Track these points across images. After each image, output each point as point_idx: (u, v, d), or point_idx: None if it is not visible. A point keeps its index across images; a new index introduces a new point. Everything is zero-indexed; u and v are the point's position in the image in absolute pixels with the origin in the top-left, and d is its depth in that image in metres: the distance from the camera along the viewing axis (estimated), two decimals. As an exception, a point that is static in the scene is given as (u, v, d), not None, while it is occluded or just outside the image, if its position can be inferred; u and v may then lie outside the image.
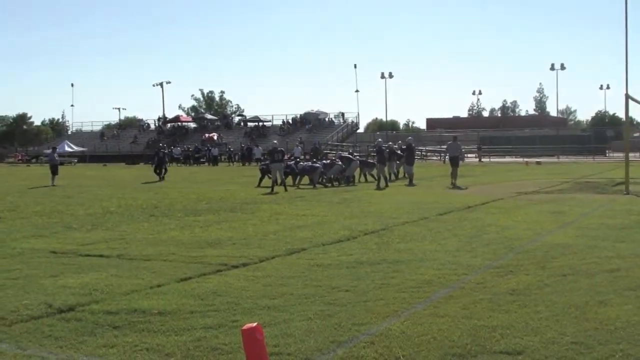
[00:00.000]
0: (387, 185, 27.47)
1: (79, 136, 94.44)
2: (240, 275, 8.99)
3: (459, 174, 29.04)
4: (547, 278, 8.47)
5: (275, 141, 31.53)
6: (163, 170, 37.63)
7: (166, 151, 40.43)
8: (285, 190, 25.66)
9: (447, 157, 30.32)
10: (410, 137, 36.32)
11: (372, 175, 30.47)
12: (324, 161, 32.75)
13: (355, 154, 40.77)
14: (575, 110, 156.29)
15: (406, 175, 31.20)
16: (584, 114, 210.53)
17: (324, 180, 29.33)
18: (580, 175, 33.05)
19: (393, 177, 32.15)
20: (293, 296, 7.74)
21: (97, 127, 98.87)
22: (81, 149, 79.58)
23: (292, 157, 42.16)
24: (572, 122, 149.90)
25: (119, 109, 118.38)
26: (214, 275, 9.01)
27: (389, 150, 31.86)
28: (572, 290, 7.82)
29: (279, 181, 26.62)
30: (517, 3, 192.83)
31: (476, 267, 9.31)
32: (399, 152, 33.11)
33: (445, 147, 34.30)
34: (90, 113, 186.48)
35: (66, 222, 15.73)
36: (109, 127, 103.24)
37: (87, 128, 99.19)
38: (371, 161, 32.70)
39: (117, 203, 20.78)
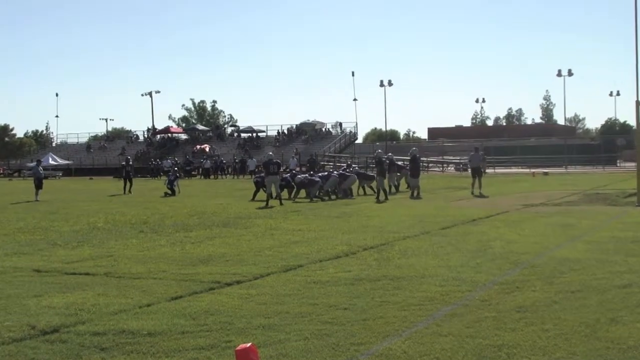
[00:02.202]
0: (387, 198, 27.49)
1: (64, 148, 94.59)
2: (233, 294, 8.98)
3: (483, 184, 30.63)
4: (555, 294, 8.47)
5: (270, 152, 31.53)
6: (129, 184, 38.53)
7: (132, 163, 41.34)
8: (281, 204, 25.66)
9: (469, 167, 31.02)
10: (414, 147, 36.27)
11: (372, 188, 30.46)
12: (321, 173, 32.81)
13: (353, 165, 40.72)
14: (583, 118, 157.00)
15: (408, 187, 31.16)
16: (593, 122, 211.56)
17: (321, 194, 29.32)
18: (589, 187, 33.06)
19: (393, 189, 32.17)
20: (289, 315, 7.74)
21: (83, 139, 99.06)
22: (66, 161, 79.69)
23: (288, 169, 42.25)
24: (581, 130, 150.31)
25: (106, 119, 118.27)
26: (207, 294, 9.00)
27: (389, 161, 31.91)
28: (582, 307, 7.82)
29: (274, 194, 26.63)
30: (522, 7, 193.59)
31: (481, 283, 9.31)
32: (399, 163, 33.21)
33: (467, 158, 34.80)
34: (76, 124, 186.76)
35: (50, 239, 15.72)
36: (95, 138, 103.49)
37: (72, 140, 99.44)
38: (370, 174, 32.66)
39: (105, 218, 20.77)
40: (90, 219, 20.52)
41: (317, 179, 29.68)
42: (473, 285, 9.15)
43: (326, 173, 32.54)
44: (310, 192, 29.03)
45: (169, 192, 34.43)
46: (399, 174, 33.23)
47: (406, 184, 31.98)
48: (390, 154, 36.66)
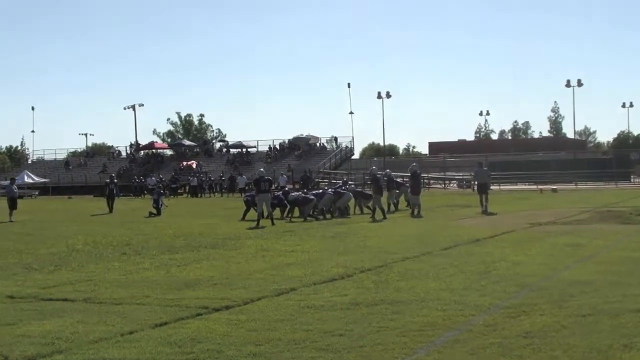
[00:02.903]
0: (384, 217, 27.52)
1: (41, 165, 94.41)
2: (222, 320, 8.97)
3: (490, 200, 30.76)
4: (564, 319, 8.48)
5: (261, 169, 31.56)
6: (112, 203, 38.89)
7: (116, 181, 41.60)
8: (273, 223, 25.67)
9: (475, 184, 31.38)
10: (414, 163, 36.39)
11: (369, 207, 30.50)
12: (315, 191, 32.86)
13: (350, 182, 40.79)
14: (594, 132, 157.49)
15: (407, 205, 31.19)
16: (605, 135, 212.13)
17: (316, 213, 29.34)
18: (601, 204, 33.15)
19: (392, 207, 32.20)
20: (281, 342, 7.74)
21: (62, 155, 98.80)
22: (43, 179, 79.50)
23: (278, 187, 42.29)
24: (592, 144, 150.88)
25: (85, 134, 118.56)
26: (193, 320, 8.99)
27: (387, 178, 31.98)
28: (593, 332, 7.83)
29: (265, 214, 26.64)
30: (528, 15, 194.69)
31: (485, 307, 9.33)
32: (398, 180, 33.32)
33: (472, 174, 35.18)
34: (53, 140, 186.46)
35: (26, 263, 15.68)
36: (74, 155, 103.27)
37: (49, 156, 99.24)
38: (368, 192, 32.72)
39: (84, 240, 20.73)
40: (68, 241, 20.49)
41: (312, 197, 29.71)
42: (477, 310, 9.16)
43: (321, 191, 32.58)
44: (304, 211, 29.05)
45: (154, 212, 34.42)
46: (397, 191, 33.29)
47: (406, 201, 32.03)
48: (388, 170, 36.77)
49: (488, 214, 28.92)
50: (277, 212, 28.93)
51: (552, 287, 10.66)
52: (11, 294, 11.43)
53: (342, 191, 31.18)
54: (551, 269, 12.73)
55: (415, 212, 29.12)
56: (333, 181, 60.11)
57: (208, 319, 9.08)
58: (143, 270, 14.01)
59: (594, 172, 69.62)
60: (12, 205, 33.20)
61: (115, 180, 42.27)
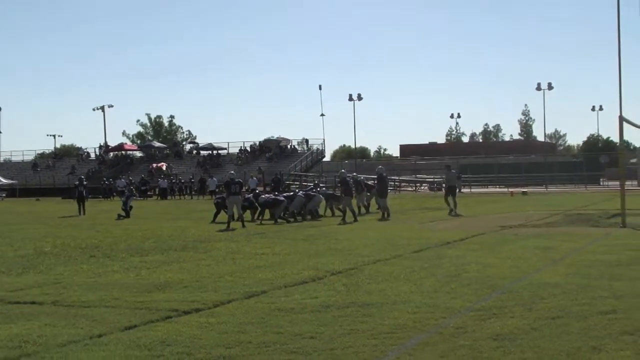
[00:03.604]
0: (355, 220, 27.58)
1: (8, 167, 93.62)
2: (192, 322, 8.94)
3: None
4: (534, 321, 8.54)
5: (232, 172, 31.53)
6: (82, 205, 38.80)
7: (85, 183, 41.38)
8: (243, 226, 25.65)
9: (445, 186, 32.22)
10: (380, 165, 36.52)
11: (339, 209, 30.55)
12: (286, 193, 32.90)
13: (321, 185, 40.87)
14: (564, 135, 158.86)
15: (378, 208, 31.30)
16: (575, 139, 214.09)
17: (287, 215, 29.35)
18: (571, 207, 33.44)
19: (363, 210, 32.30)
20: (252, 344, 7.73)
21: (29, 157, 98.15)
22: (10, 181, 78.88)
23: (249, 190, 42.22)
24: (562, 147, 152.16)
25: (54, 136, 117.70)
26: (163, 323, 8.95)
27: (354, 180, 32.11)
28: (563, 334, 7.90)
29: (236, 216, 26.61)
30: (499, 17, 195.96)
31: (456, 309, 9.37)
32: (369, 182, 33.47)
33: (444, 176, 35.98)
34: (20, 141, 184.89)
35: (-7, 265, 15.54)
36: (42, 156, 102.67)
37: (17, 158, 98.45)
38: (338, 194, 32.84)
39: (53, 242, 20.58)
40: (36, 244, 20.33)
41: (282, 199, 29.72)
42: (447, 312, 9.20)
43: (292, 193, 32.60)
44: (275, 213, 29.06)
45: (123, 214, 34.19)
46: (368, 193, 33.41)
47: (376, 204, 32.16)
48: (354, 173, 36.91)
49: (457, 215, 29.45)
50: (247, 215, 28.91)
51: (522, 290, 10.73)
52: (-22, 297, 11.33)
53: (312, 194, 31.24)
54: (521, 271, 12.82)
55: (385, 215, 29.21)
56: (304, 183, 60.15)
57: (178, 321, 9.04)
58: (112, 272, 13.93)
59: (564, 175, 70.28)
60: (-21, 207, 32.94)
61: (85, 182, 42.01)
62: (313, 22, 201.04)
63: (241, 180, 30.46)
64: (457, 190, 33.06)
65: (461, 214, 29.62)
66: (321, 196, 31.45)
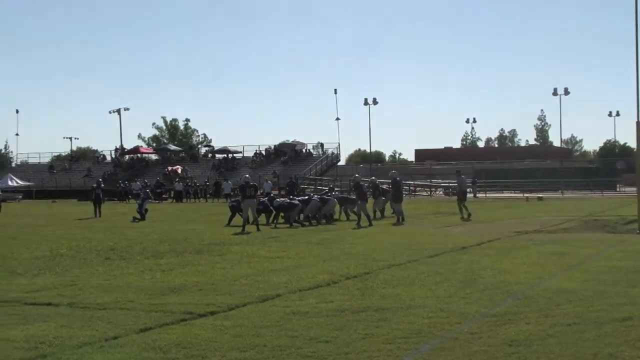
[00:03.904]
0: (370, 224, 27.56)
1: (25, 169, 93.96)
2: (207, 325, 8.96)
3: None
4: (550, 328, 8.52)
5: (247, 175, 31.57)
6: (99, 207, 38.98)
7: (102, 186, 41.66)
8: (258, 229, 25.66)
9: (457, 191, 32.97)
10: (394, 170, 36.56)
11: (354, 213, 30.52)
12: (301, 197, 32.94)
13: (336, 189, 40.88)
14: (581, 140, 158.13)
15: (393, 213, 31.26)
16: (591, 144, 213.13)
17: (301, 219, 29.36)
18: (587, 213, 33.27)
19: (379, 214, 32.30)
20: (266, 348, 7.74)
21: (46, 159, 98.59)
22: (27, 183, 79.23)
23: (264, 193, 42.31)
24: (578, 152, 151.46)
25: (70, 138, 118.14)
26: (178, 325, 8.97)
27: (372, 185, 32.08)
28: (579, 341, 7.87)
29: (251, 219, 26.63)
30: (514, 23, 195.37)
31: (471, 315, 9.35)
32: (384, 187, 33.52)
33: (455, 181, 36.44)
34: (37, 143, 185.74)
35: (9, 267, 15.61)
36: (59, 158, 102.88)
37: (34, 160, 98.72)
38: (353, 197, 32.84)
39: (68, 244, 20.66)
40: (52, 245, 20.41)
41: (297, 203, 29.75)
42: (462, 317, 9.18)
43: (306, 197, 32.61)
44: (290, 217, 29.07)
45: (138, 217, 34.28)
46: (383, 198, 33.40)
47: (391, 209, 32.10)
48: (373, 177, 36.90)
49: (466, 220, 29.79)
50: (262, 218, 28.95)
51: (538, 296, 10.70)
52: (-6, 298, 11.39)
53: (327, 197, 31.24)
54: (537, 277, 12.77)
55: (400, 219, 29.16)
56: (319, 187, 60.14)
57: (193, 324, 9.06)
58: (127, 275, 13.97)
59: (580, 181, 69.89)
60: (-5, 209, 33.10)
61: (102, 185, 42.20)
62: (329, 26, 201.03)
63: (256, 184, 30.52)
64: (473, 195, 33.07)
65: (468, 220, 29.88)
66: (335, 200, 31.44)
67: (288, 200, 30.79)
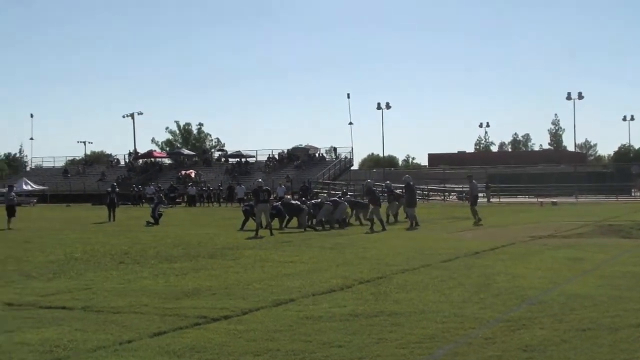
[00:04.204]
0: (383, 229, 27.54)
1: (39, 173, 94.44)
2: (221, 329, 8.98)
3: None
4: (564, 333, 8.49)
5: (260, 179, 31.63)
6: (113, 211, 39.02)
7: (117, 190, 41.81)
8: (272, 234, 25.67)
9: (469, 196, 33.71)
10: (407, 175, 36.52)
11: (367, 218, 30.53)
12: (313, 201, 32.97)
13: (349, 194, 40.87)
14: (595, 145, 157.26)
15: (406, 217, 31.23)
16: (606, 149, 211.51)
17: (314, 223, 29.38)
18: (601, 217, 33.13)
19: (392, 219, 32.29)
20: (280, 352, 7.75)
21: (60, 163, 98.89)
22: (41, 187, 79.51)
23: (277, 197, 42.33)
24: (592, 157, 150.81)
25: (84, 142, 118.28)
26: (192, 329, 9.00)
27: (387, 189, 32.08)
28: (594, 347, 7.84)
29: (264, 224, 26.65)
30: (530, 26, 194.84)
31: (485, 320, 9.34)
32: (397, 191, 33.56)
33: (468, 186, 36.61)
34: (52, 147, 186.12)
35: (24, 270, 15.68)
36: (73, 162, 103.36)
37: (48, 164, 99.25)
38: (364, 202, 32.89)
39: (82, 248, 20.75)
40: (67, 249, 20.50)
41: (304, 207, 29.83)
42: (476, 322, 9.17)
43: (319, 200, 32.64)
44: (302, 221, 29.11)
45: (152, 221, 34.35)
46: (397, 202, 33.40)
47: (405, 213, 32.06)
48: (388, 182, 36.92)
49: (478, 225, 29.75)
50: (275, 223, 28.96)
51: (552, 301, 10.67)
52: (10, 301, 11.44)
53: (338, 201, 31.26)
54: (551, 282, 12.74)
55: (413, 224, 29.11)
56: (332, 192, 60.12)
57: (206, 328, 9.08)
58: (141, 279, 14.02)
59: (594, 185, 69.66)
60: (11, 213, 33.16)
61: (117, 189, 42.35)
62: (342, 31, 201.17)
63: (269, 188, 30.54)
64: (486, 200, 33.05)
65: (478, 225, 29.87)
66: (346, 204, 31.44)
67: (298, 203, 30.87)
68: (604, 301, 10.54)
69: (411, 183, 31.70)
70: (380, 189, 32.66)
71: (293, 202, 31.66)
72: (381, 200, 30.76)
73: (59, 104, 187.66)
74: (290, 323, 9.28)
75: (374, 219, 28.31)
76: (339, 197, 33.16)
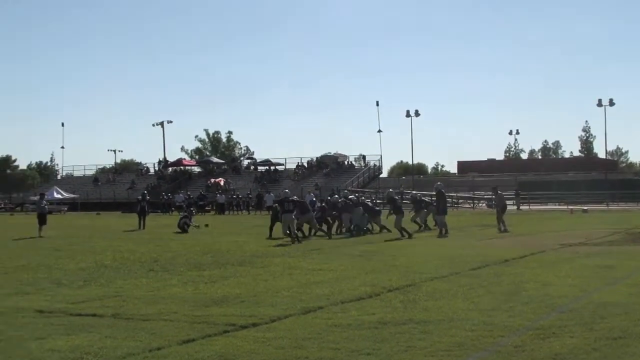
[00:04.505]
0: (402, 236, 27.47)
1: (70, 181, 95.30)
2: (249, 337, 9.00)
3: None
4: (595, 341, 8.42)
5: (286, 190, 31.87)
6: (143, 219, 39.22)
7: (148, 198, 42.01)
8: (299, 242, 25.72)
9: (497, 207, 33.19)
10: (439, 182, 36.45)
11: (378, 225, 30.79)
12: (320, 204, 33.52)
13: (367, 199, 40.85)
14: (626, 152, 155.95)
15: (436, 225, 31.15)
16: (637, 156, 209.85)
17: (343, 230, 29.64)
18: (632, 225, 32.83)
19: (423, 227, 32.46)
20: (308, 360, 7.75)
21: (90, 171, 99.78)
22: (72, 195, 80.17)
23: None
24: (624, 164, 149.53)
25: (114, 151, 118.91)
26: (221, 337, 9.03)
27: (412, 199, 32.22)
28: (625, 355, 7.78)
29: (291, 232, 26.71)
30: (561, 34, 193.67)
31: (514, 328, 9.28)
32: (426, 199, 33.59)
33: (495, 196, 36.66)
34: (82, 156, 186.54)
35: (55, 278, 15.82)
36: (103, 171, 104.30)
37: (78, 172, 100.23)
38: (378, 208, 33.07)
39: (112, 256, 20.88)
40: (97, 257, 20.65)
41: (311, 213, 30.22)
42: (506, 331, 9.12)
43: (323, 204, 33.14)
44: (312, 225, 29.64)
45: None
46: (425, 210, 33.37)
47: (434, 220, 31.96)
48: (414, 192, 37.06)
49: (504, 232, 30.00)
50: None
51: (583, 309, 10.59)
52: (40, 308, 11.54)
53: (350, 204, 31.57)
54: (581, 290, 12.64)
55: (443, 232, 28.99)
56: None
57: (235, 336, 9.11)
58: (170, 286, 14.09)
59: (625, 193, 69.10)
60: (42, 221, 33.45)
61: (148, 197, 42.59)
62: (371, 38, 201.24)
63: (296, 198, 30.77)
64: (516, 207, 32.95)
65: (509, 230, 30.01)
66: (361, 208, 31.44)
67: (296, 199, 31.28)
68: (635, 309, 10.43)
69: (442, 190, 31.61)
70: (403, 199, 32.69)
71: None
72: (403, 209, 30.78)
73: (89, 113, 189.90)
74: (318, 331, 9.28)
75: (397, 229, 28.31)
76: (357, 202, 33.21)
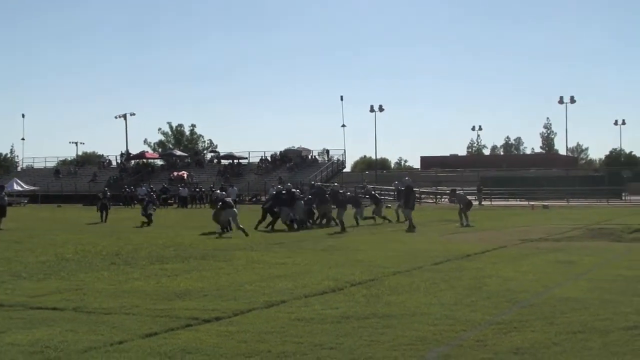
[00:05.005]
0: (343, 230, 28.32)
1: (30, 173, 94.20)
2: (212, 331, 8.98)
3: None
4: (555, 336, 8.51)
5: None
6: (105, 213, 38.97)
7: (109, 195, 41.97)
8: (246, 234, 26.10)
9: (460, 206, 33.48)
10: (407, 177, 36.85)
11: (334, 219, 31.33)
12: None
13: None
14: (587, 149, 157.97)
15: (401, 219, 31.60)
16: (597, 153, 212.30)
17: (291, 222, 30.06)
18: (593, 221, 33.23)
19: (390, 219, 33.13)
20: (271, 354, 7.74)
21: (51, 164, 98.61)
22: (32, 187, 79.17)
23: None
24: (584, 161, 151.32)
25: (76, 143, 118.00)
26: (183, 331, 8.99)
27: (368, 192, 32.74)
28: (584, 349, 7.86)
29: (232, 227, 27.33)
30: (522, 32, 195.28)
31: (476, 322, 9.35)
32: (373, 192, 34.47)
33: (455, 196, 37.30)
34: (43, 148, 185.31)
35: (14, 271, 15.63)
36: (64, 163, 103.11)
37: (39, 164, 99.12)
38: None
39: (74, 249, 20.68)
40: (58, 250, 20.44)
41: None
42: (467, 325, 9.18)
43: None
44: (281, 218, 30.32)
45: (146, 220, 34.33)
46: (380, 204, 34.63)
47: (402, 214, 32.23)
48: (368, 185, 37.64)
49: (465, 226, 30.73)
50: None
51: (543, 304, 10.69)
52: (0, 302, 11.41)
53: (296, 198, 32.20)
54: (542, 285, 12.76)
55: (412, 227, 29.07)
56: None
57: (198, 330, 9.07)
58: (133, 280, 13.99)
59: (585, 189, 69.78)
60: (1, 213, 33.00)
61: (109, 194, 42.17)
62: (334, 32, 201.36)
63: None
64: (478, 203, 33.37)
65: (471, 225, 30.61)
66: (302, 202, 31.70)
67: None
68: (594, 304, 10.56)
69: (411, 185, 32.06)
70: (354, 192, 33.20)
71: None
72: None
73: (50, 105, 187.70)
74: (281, 325, 9.28)
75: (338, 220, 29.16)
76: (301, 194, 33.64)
